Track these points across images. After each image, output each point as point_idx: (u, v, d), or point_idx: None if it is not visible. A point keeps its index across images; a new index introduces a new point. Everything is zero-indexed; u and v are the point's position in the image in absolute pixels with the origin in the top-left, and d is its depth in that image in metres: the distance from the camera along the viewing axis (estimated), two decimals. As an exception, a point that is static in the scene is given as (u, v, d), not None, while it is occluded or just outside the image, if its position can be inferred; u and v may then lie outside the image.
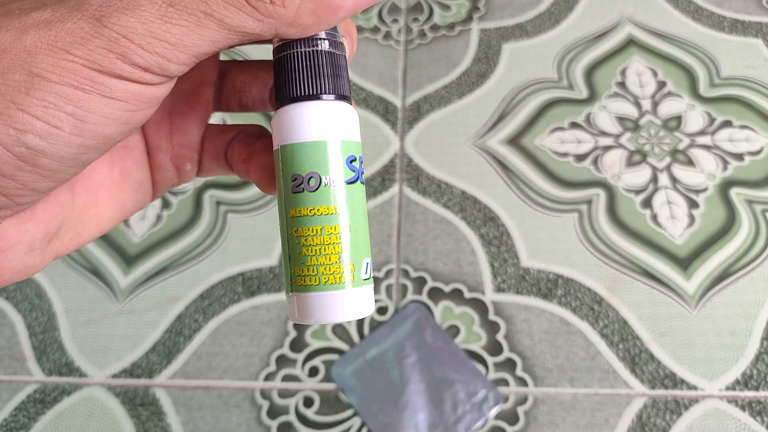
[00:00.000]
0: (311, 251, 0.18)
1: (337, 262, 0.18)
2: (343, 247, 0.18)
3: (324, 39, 0.18)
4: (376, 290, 0.54)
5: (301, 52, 0.18)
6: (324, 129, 0.18)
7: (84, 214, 0.20)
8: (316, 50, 0.18)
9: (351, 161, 0.19)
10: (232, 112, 0.23)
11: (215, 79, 0.22)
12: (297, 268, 0.19)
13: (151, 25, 0.15)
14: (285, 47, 0.18)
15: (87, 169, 0.20)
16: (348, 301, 0.18)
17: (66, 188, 0.18)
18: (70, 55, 0.15)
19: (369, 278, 0.19)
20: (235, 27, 0.16)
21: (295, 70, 0.18)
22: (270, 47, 0.19)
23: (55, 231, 0.18)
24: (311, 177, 0.18)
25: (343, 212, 0.18)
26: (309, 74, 0.18)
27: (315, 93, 0.18)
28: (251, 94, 0.22)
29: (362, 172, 0.19)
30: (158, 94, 0.16)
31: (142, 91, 0.16)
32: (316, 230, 0.18)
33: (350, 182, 0.19)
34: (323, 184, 0.18)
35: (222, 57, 0.22)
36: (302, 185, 0.18)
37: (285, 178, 0.19)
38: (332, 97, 0.19)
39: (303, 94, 0.18)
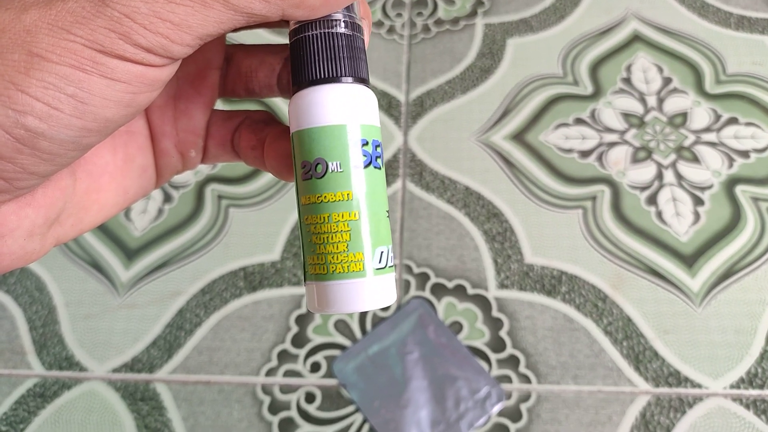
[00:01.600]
0: (320, 239, 0.18)
1: (346, 250, 0.18)
2: (354, 234, 0.18)
3: (341, 20, 0.18)
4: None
5: (317, 34, 0.18)
6: (339, 112, 0.18)
7: (86, 199, 0.19)
8: (333, 32, 0.18)
9: (364, 145, 0.18)
10: (237, 98, 0.23)
11: (221, 63, 0.22)
12: (309, 257, 0.18)
13: (154, 4, 0.14)
14: (301, 30, 0.18)
15: (89, 153, 0.19)
16: (368, 290, 0.18)
17: (67, 173, 0.18)
18: (70, 35, 0.14)
19: (388, 266, 0.19)
20: (241, 7, 0.15)
21: (311, 52, 0.18)
22: (270, 37, 0.19)
23: (55, 216, 0.18)
24: (318, 163, 0.18)
25: (356, 198, 0.18)
26: (326, 57, 0.18)
27: (332, 76, 0.18)
28: (258, 79, 0.22)
29: (378, 157, 0.19)
30: (161, 77, 0.16)
31: (144, 72, 0.15)
32: (324, 218, 0.18)
33: (365, 167, 0.18)
34: (330, 170, 0.18)
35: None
36: (310, 172, 0.18)
37: (296, 165, 0.18)
38: (350, 79, 0.18)
39: (319, 77, 0.18)
